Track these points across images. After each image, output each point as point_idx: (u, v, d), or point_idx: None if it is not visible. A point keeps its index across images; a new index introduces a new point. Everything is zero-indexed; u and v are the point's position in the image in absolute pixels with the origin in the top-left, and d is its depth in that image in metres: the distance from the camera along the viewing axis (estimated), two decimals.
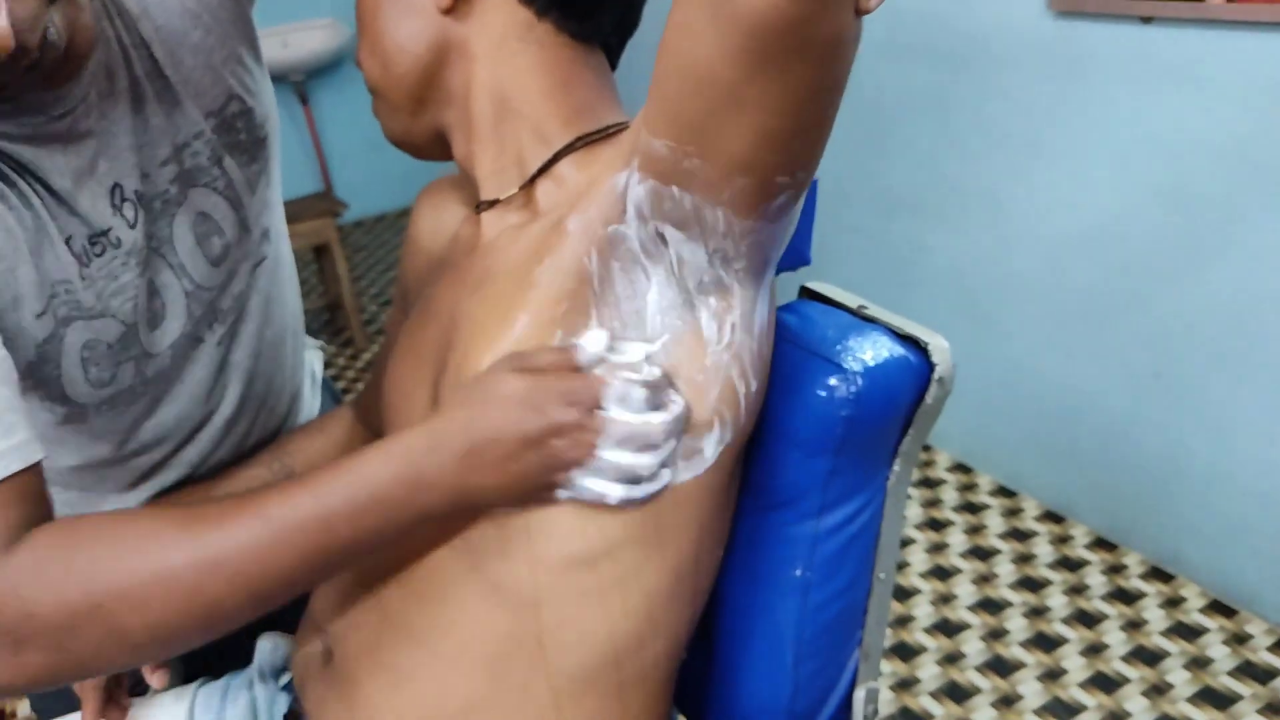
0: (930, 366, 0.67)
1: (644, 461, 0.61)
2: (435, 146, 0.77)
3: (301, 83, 4.00)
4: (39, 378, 0.76)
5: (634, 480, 0.62)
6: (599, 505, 0.63)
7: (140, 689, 0.89)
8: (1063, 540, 2.07)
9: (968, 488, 2.27)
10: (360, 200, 4.22)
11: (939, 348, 0.67)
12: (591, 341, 0.62)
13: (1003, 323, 2.10)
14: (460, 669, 0.68)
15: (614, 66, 0.77)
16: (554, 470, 0.62)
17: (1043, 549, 2.06)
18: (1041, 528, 2.11)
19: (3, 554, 0.57)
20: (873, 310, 0.72)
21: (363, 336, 3.32)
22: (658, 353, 0.63)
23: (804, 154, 0.59)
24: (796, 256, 0.78)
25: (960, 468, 2.33)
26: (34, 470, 0.62)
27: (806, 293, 0.78)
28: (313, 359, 1.11)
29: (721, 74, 0.53)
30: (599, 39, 0.74)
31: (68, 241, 0.74)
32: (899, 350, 0.67)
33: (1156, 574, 1.95)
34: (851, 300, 0.74)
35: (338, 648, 0.75)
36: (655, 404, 0.61)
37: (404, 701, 0.69)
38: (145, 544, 0.58)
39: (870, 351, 0.67)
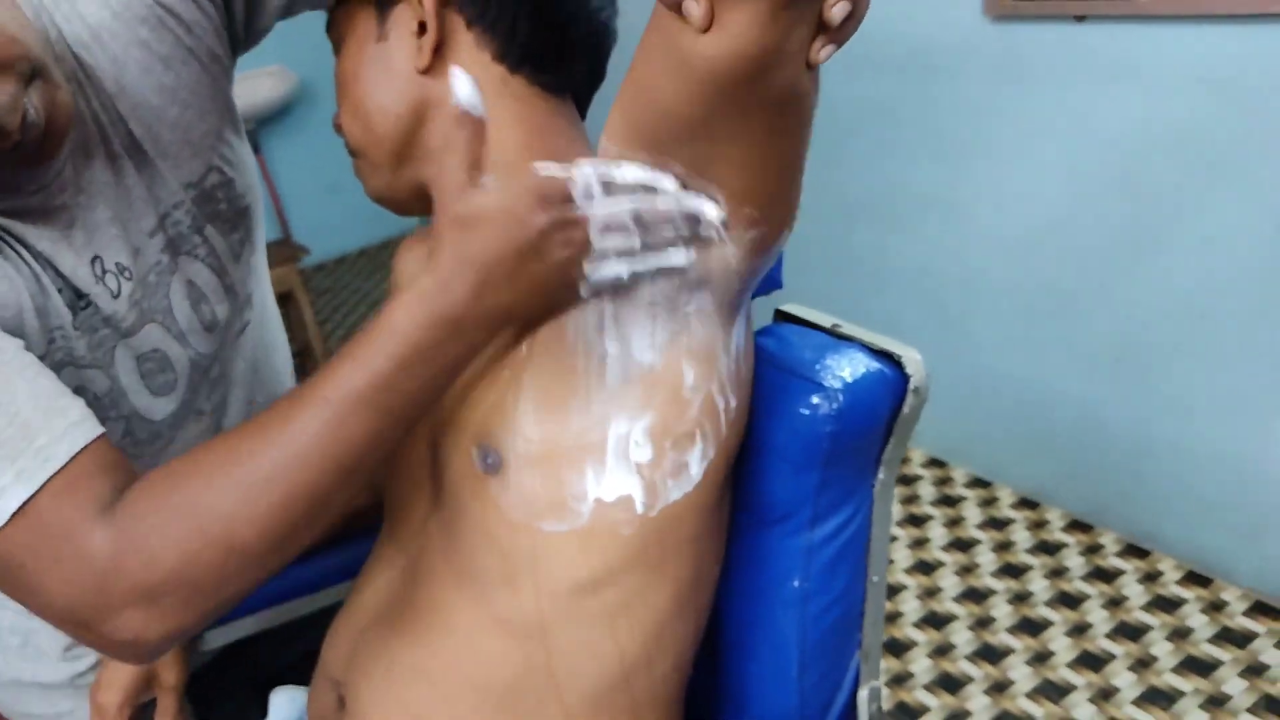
0: (905, 378, 0.71)
1: (639, 241, 0.63)
2: (415, 201, 0.80)
3: (253, 131, 4.00)
4: None
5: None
6: (600, 531, 0.66)
7: None
8: (1039, 525, 2.12)
9: (944, 481, 2.32)
10: (319, 244, 4.22)
11: (912, 360, 0.71)
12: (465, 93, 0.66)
13: (968, 320, 2.16)
14: (472, 703, 0.71)
15: (583, 114, 0.81)
16: (563, 270, 0.63)
17: (1021, 535, 2.11)
18: (1018, 515, 2.17)
19: (105, 519, 0.59)
20: (846, 328, 0.75)
21: None
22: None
23: (773, 187, 0.62)
24: (769, 281, 0.81)
25: (935, 463, 2.38)
26: (102, 440, 0.64)
27: (781, 315, 0.81)
28: None
29: (686, 112, 0.56)
30: (569, 90, 0.77)
31: (60, 292, 0.76)
32: (875, 365, 0.71)
33: (1133, 550, 2.01)
34: (825, 320, 0.77)
35: (349, 695, 0.77)
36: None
37: None
38: (231, 463, 0.61)
39: (848, 369, 0.70)
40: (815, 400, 0.70)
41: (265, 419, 0.62)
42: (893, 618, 1.95)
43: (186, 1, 0.79)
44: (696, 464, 0.68)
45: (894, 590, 2.01)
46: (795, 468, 0.71)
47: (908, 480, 2.34)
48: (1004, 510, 2.19)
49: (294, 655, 0.95)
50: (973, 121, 1.99)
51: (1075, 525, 2.10)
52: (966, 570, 2.04)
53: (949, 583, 2.02)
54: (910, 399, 0.71)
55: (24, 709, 0.97)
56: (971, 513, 2.20)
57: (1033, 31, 1.82)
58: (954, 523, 2.18)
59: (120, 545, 0.59)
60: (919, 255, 2.21)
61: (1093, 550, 2.03)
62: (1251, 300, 1.66)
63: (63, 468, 0.61)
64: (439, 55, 0.73)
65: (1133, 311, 1.84)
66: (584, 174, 0.62)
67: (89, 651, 0.93)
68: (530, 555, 0.67)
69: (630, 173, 0.62)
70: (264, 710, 0.92)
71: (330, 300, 4.13)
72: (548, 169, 0.63)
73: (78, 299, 0.77)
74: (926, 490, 2.29)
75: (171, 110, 0.82)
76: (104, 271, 0.79)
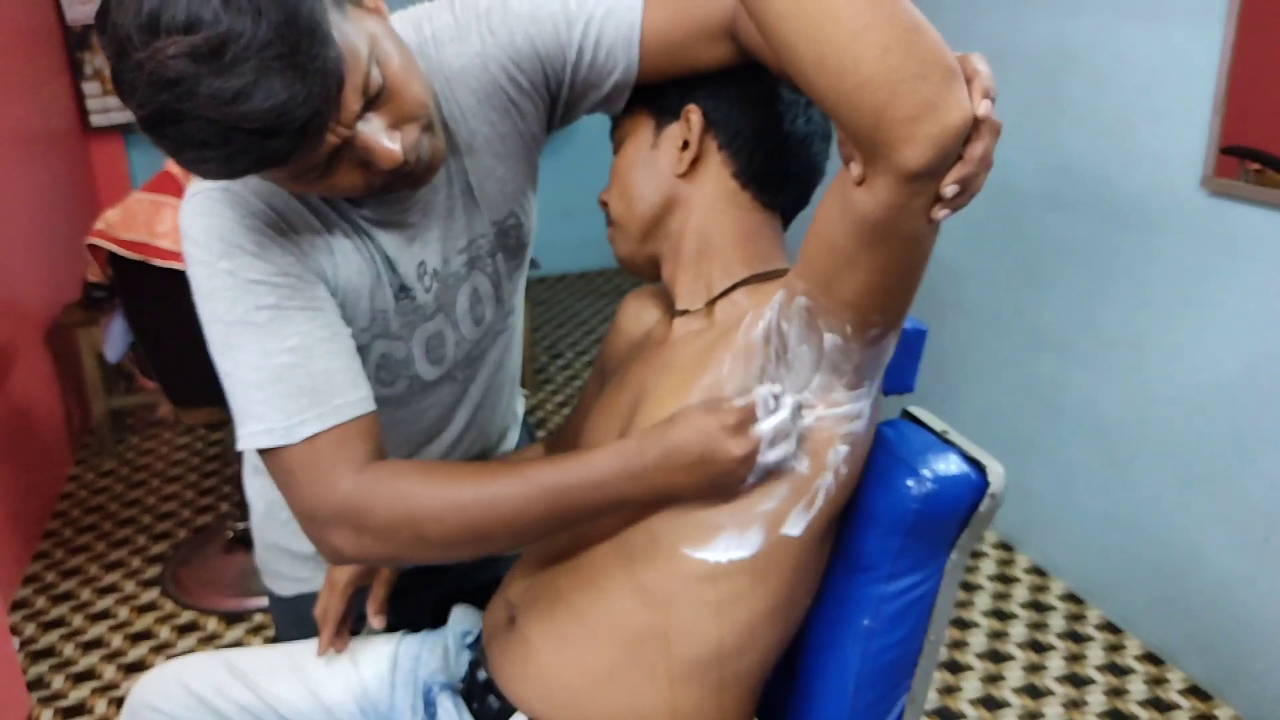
0: (986, 484, 0.89)
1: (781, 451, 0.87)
2: (648, 267, 1.05)
3: None
4: None
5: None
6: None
7: (359, 626, 1.18)
8: (1158, 682, 2.16)
9: (1076, 618, 2.37)
10: (549, 260, 4.64)
11: (995, 472, 0.89)
12: (765, 390, 0.87)
13: (1130, 466, 2.23)
14: (607, 644, 0.93)
15: (786, 228, 1.04)
16: (728, 475, 0.86)
17: (1137, 687, 2.15)
18: (1140, 667, 2.20)
19: (358, 471, 0.90)
20: (953, 436, 0.94)
21: (533, 384, 3.66)
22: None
23: (893, 304, 0.82)
24: (903, 385, 1.02)
25: (1071, 598, 2.44)
26: (373, 415, 0.94)
27: (906, 415, 1.01)
28: (518, 403, 1.41)
29: (843, 245, 0.78)
30: (778, 208, 1.01)
31: (390, 286, 1.05)
32: (965, 468, 0.90)
33: None
34: (938, 425, 0.96)
35: (520, 616, 1.01)
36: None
37: (564, 662, 0.95)
38: (448, 484, 0.90)
39: (943, 465, 0.89)
40: (909, 483, 0.89)
41: (489, 470, 0.91)
42: None
43: (527, 99, 1.05)
44: (810, 513, 0.89)
45: (998, 704, 2.11)
46: (883, 531, 0.91)
47: (1040, 608, 2.40)
48: (1127, 659, 2.23)
49: (478, 582, 1.22)
50: (1173, 279, 2.08)
51: (1193, 690, 2.13)
52: (1074, 704, 2.10)
53: (1053, 712, 2.09)
54: (986, 501, 0.89)
55: (275, 569, 1.29)
56: (1094, 653, 2.25)
57: (1245, 212, 1.91)
58: (1074, 658, 2.24)
59: (359, 491, 0.89)
60: (1096, 393, 2.30)
61: (1205, 719, 2.05)
62: None
63: (344, 423, 0.91)
64: (694, 166, 0.99)
65: None
66: (762, 395, 0.86)
67: None
68: (673, 541, 0.90)
69: (786, 400, 0.87)
70: (436, 619, 1.18)
71: (544, 311, 4.53)
72: (736, 403, 0.86)
73: (401, 291, 1.06)
74: (1057, 622, 2.36)
75: (499, 171, 1.08)
76: (424, 274, 1.07)
